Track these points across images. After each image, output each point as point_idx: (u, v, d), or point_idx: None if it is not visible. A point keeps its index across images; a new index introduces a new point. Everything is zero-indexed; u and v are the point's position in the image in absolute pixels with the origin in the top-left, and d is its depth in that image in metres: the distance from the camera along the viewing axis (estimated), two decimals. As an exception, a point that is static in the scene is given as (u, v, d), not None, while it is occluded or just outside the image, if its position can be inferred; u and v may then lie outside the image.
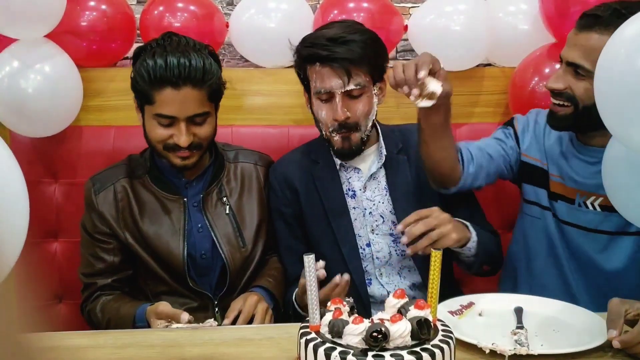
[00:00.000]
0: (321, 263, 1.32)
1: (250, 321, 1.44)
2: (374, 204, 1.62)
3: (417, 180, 1.61)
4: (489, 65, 2.17)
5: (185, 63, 1.41)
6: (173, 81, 1.40)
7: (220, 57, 2.27)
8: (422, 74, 1.30)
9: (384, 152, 1.62)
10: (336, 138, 1.55)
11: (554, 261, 1.61)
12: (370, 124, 1.56)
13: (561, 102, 1.47)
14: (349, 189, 1.63)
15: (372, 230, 1.62)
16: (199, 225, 1.57)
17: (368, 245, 1.62)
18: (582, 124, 1.47)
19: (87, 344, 1.23)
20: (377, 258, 1.61)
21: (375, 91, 1.55)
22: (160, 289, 1.56)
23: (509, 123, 1.69)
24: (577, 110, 1.45)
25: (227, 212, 1.59)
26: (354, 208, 1.62)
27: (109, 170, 1.62)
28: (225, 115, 1.80)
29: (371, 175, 1.62)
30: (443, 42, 1.89)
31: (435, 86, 1.32)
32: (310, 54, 1.52)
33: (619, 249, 1.52)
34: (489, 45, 1.87)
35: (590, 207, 1.53)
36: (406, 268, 1.63)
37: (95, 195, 1.56)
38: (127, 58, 2.13)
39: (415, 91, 1.32)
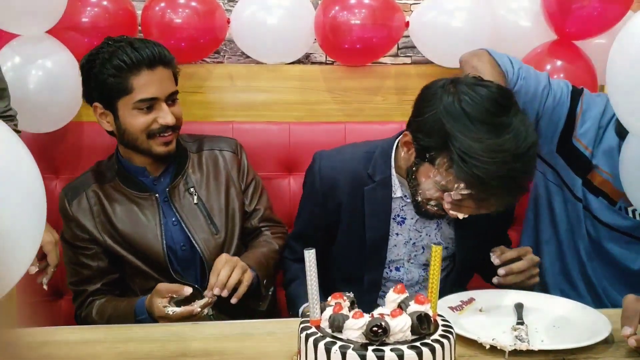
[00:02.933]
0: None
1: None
2: (420, 236, 1.54)
3: (466, 222, 1.47)
4: (491, 62, 2.16)
5: (153, 47, 1.52)
6: (148, 63, 1.50)
7: (221, 54, 2.28)
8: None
9: None
10: (436, 209, 1.41)
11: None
12: None
13: None
14: (397, 215, 1.53)
15: (409, 259, 1.56)
16: (173, 219, 1.60)
17: (398, 269, 1.56)
18: None
19: (88, 339, 1.24)
20: (405, 285, 1.56)
21: None
22: (149, 284, 1.57)
23: (578, 93, 1.57)
24: None
25: (196, 202, 1.62)
26: (397, 234, 1.53)
27: (79, 178, 1.66)
28: (226, 112, 1.80)
29: None
30: (444, 38, 1.89)
31: None
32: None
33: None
34: (491, 42, 1.86)
35: (630, 215, 1.53)
36: (425, 288, 1.57)
37: (69, 205, 1.60)
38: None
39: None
